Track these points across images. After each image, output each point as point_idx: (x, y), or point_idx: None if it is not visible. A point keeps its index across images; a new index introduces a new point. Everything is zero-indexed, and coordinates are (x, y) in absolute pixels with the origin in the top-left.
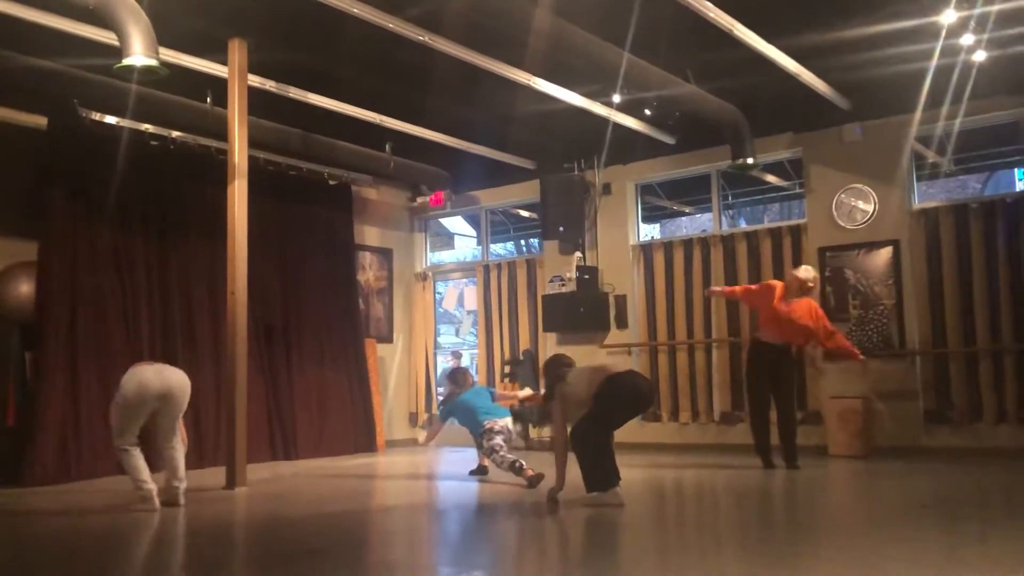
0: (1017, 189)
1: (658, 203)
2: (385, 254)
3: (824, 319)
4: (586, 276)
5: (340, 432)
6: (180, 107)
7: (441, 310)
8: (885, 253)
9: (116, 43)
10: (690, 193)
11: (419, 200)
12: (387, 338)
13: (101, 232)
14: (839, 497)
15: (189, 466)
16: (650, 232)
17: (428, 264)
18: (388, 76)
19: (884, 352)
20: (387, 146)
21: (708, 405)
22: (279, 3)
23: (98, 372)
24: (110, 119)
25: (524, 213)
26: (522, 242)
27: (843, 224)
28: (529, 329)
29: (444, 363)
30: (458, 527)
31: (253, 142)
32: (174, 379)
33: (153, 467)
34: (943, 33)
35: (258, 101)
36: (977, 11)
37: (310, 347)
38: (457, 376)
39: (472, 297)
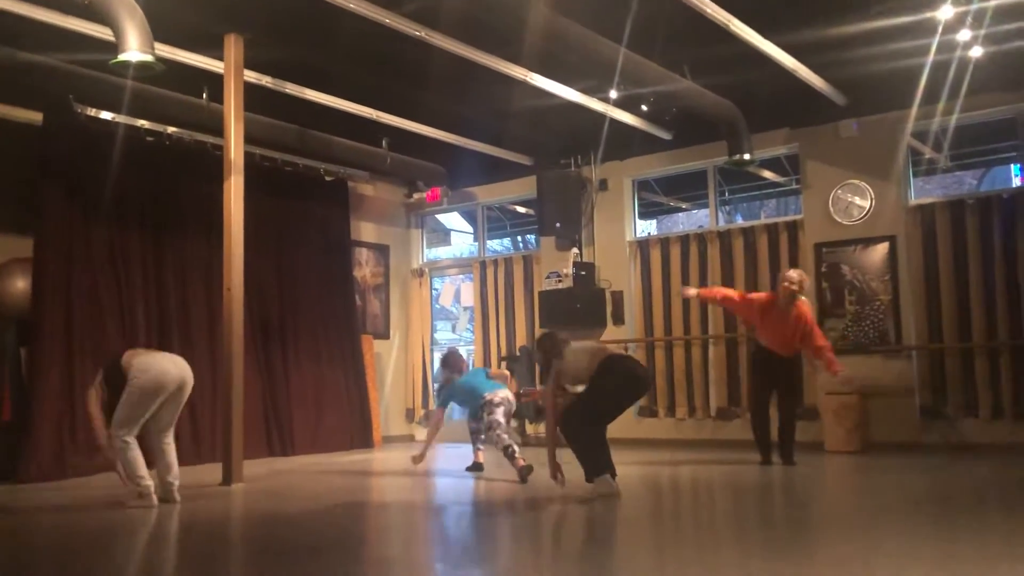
0: (1013, 185)
1: (655, 199)
2: (381, 250)
3: (811, 335)
4: (583, 272)
5: (337, 428)
6: (176, 103)
7: (438, 306)
8: (881, 249)
9: (112, 39)
10: (687, 189)
11: (415, 196)
12: (383, 334)
13: (97, 228)
14: (835, 493)
15: (186, 462)
16: (647, 228)
17: (425, 260)
18: (384, 72)
19: (880, 348)
20: (383, 142)
21: (705, 401)
22: None
23: (94, 368)
24: (106, 115)
25: (521, 209)
26: (519, 238)
27: (839, 220)
28: (526, 325)
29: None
30: (454, 523)
31: (249, 138)
32: (188, 369)
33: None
34: (940, 29)
35: (254, 97)
36: (974, 7)
37: (306, 343)
38: (450, 360)
39: (469, 293)
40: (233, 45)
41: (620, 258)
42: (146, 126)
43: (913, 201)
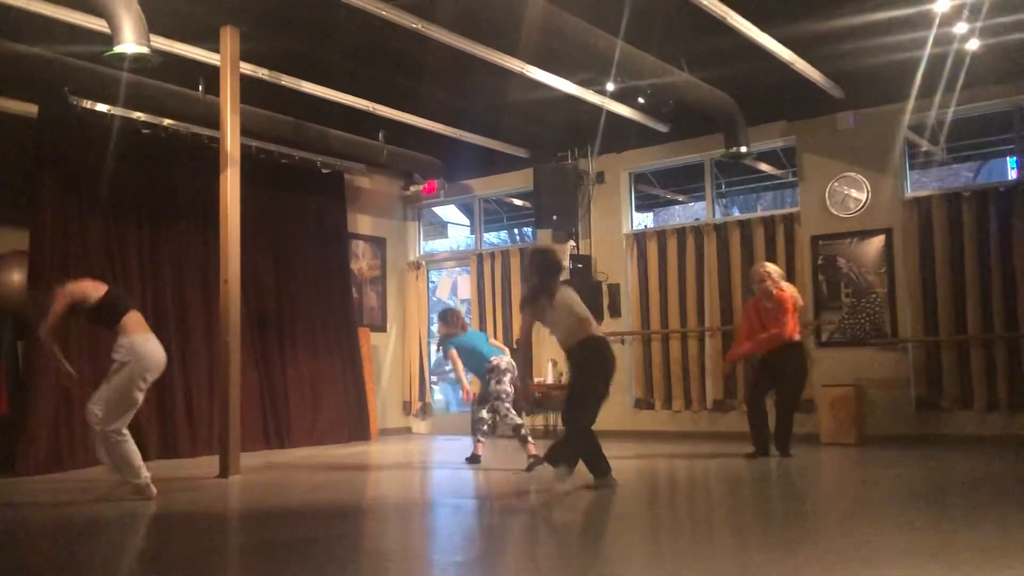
0: (1010, 178)
1: (651, 192)
2: (378, 243)
3: (776, 322)
4: (580, 265)
5: (334, 420)
6: (172, 95)
7: (435, 299)
8: (877, 242)
9: (107, 30)
10: (683, 182)
11: (412, 189)
12: (380, 327)
13: (93, 221)
14: (831, 485)
15: (183, 454)
16: (643, 221)
17: (421, 253)
18: (381, 64)
19: (876, 340)
20: (380, 134)
21: (701, 393)
22: None
23: (90, 361)
24: (101, 107)
25: (517, 202)
26: (516, 231)
27: (836, 212)
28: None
29: (437, 353)
30: (452, 515)
31: (245, 130)
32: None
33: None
34: (937, 21)
35: (250, 89)
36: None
37: (303, 336)
38: (448, 316)
39: (466, 286)
40: (229, 37)
41: (617, 251)
42: (142, 118)
43: (909, 194)
